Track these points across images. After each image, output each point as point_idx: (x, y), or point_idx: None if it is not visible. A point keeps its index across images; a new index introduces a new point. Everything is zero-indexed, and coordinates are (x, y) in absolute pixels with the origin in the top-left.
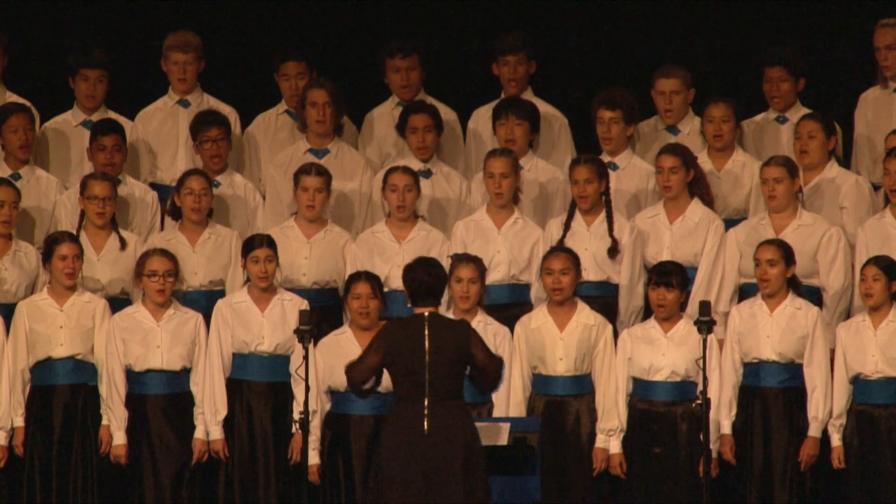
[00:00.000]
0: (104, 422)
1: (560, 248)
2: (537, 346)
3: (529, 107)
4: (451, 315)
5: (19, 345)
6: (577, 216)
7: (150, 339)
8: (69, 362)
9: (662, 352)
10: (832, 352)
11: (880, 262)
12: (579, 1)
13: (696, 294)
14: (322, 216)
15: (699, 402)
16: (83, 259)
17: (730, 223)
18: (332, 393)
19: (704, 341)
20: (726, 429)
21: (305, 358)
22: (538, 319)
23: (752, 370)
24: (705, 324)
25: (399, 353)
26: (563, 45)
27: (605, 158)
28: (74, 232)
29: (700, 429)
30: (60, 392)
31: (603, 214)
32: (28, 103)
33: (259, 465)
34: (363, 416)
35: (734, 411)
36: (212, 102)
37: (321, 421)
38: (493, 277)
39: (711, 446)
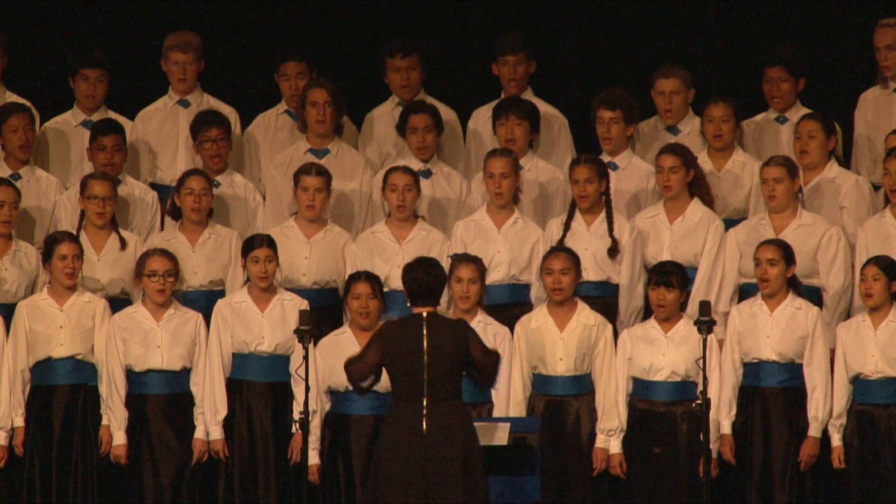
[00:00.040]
0: (104, 422)
1: (560, 248)
2: (537, 346)
3: (529, 107)
4: (451, 315)
5: (19, 345)
6: (577, 216)
7: (151, 339)
8: (69, 362)
9: (662, 352)
10: (832, 352)
11: (880, 262)
12: (579, 1)
13: (696, 294)
14: (322, 216)
15: (699, 402)
16: (83, 259)
17: (730, 223)
18: (332, 393)
19: (704, 341)
20: (726, 429)
21: (305, 358)
22: (538, 319)
23: (752, 370)
24: (705, 324)
25: (397, 354)
26: (563, 45)
27: (605, 158)
28: (74, 232)
29: (700, 429)
30: (60, 392)
31: (603, 214)
32: (28, 103)
33: (259, 466)
34: (363, 416)
35: (734, 411)
36: (212, 102)
37: (321, 421)
38: (493, 277)
39: (711, 446)
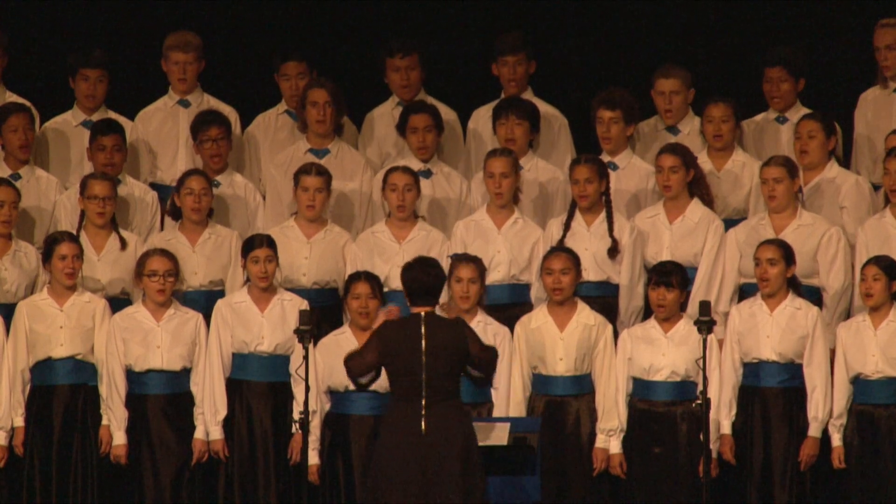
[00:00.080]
0: (104, 422)
1: (560, 248)
2: (537, 346)
3: (529, 107)
4: (446, 308)
5: (19, 345)
6: (578, 216)
7: (151, 339)
8: (69, 362)
9: (662, 352)
10: (832, 352)
11: (880, 261)
12: (579, 1)
13: (696, 294)
14: (322, 216)
15: (699, 402)
16: (83, 259)
17: (730, 223)
18: (332, 393)
19: (704, 341)
20: (726, 429)
21: (305, 358)
22: (538, 319)
23: (752, 370)
24: (705, 324)
25: (395, 353)
26: (563, 45)
27: (605, 158)
28: (74, 232)
29: (700, 429)
30: (60, 392)
31: (603, 214)
32: (28, 103)
33: (259, 465)
34: (363, 416)
35: (734, 411)
36: (212, 102)
37: (321, 421)
38: (493, 277)
39: (711, 446)
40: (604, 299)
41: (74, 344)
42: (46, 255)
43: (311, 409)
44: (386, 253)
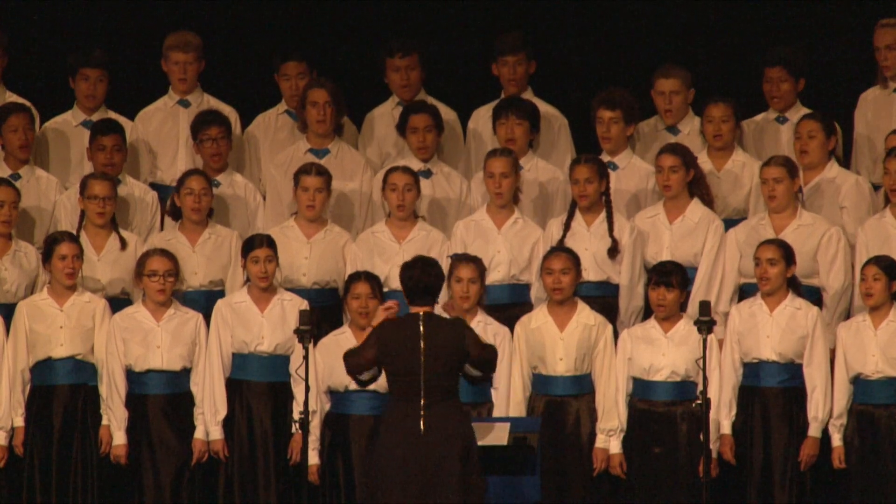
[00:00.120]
0: (104, 422)
1: (560, 248)
2: (537, 346)
3: (529, 107)
4: (446, 309)
5: (19, 345)
6: (578, 216)
7: (151, 340)
8: (69, 362)
9: (662, 352)
10: (832, 352)
11: (880, 261)
12: (579, 1)
13: (696, 294)
14: (322, 216)
15: (699, 402)
16: (83, 259)
17: (730, 223)
18: (332, 393)
19: (704, 341)
20: (726, 429)
21: (305, 358)
22: (538, 319)
23: (752, 370)
24: (705, 324)
25: (394, 353)
26: (563, 45)
27: (605, 158)
28: (74, 232)
29: (700, 429)
30: (60, 392)
31: (603, 214)
32: (28, 103)
33: (259, 466)
34: (363, 416)
35: (734, 411)
36: (212, 102)
37: (321, 421)
38: (493, 277)
39: (711, 446)
40: (604, 299)
41: (74, 344)
42: (46, 255)
43: (311, 409)
44: (386, 253)
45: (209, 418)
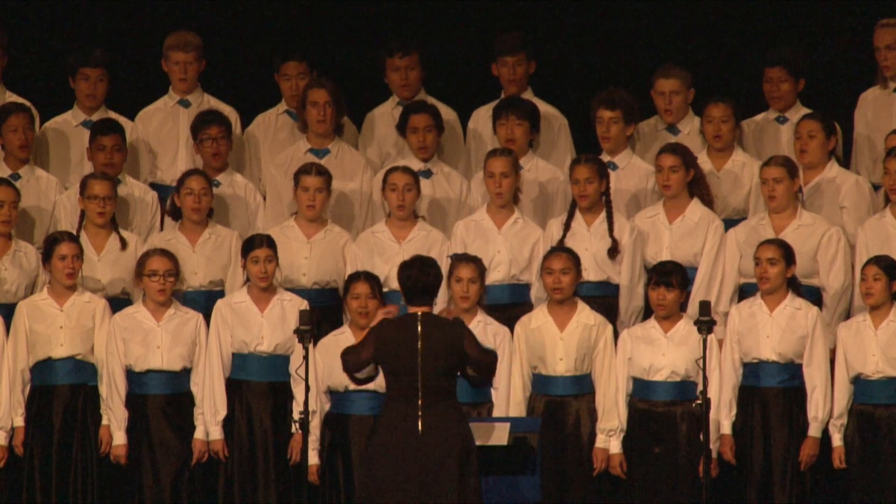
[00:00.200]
0: (104, 422)
1: (560, 248)
2: (537, 346)
3: (529, 107)
4: (448, 311)
5: (19, 345)
6: (578, 216)
7: (151, 340)
8: (69, 362)
9: (662, 352)
10: (832, 352)
11: (881, 261)
12: (579, 1)
13: (696, 294)
14: (322, 216)
15: (699, 402)
16: (83, 259)
17: (730, 223)
18: (332, 393)
19: (704, 341)
20: (726, 429)
21: (305, 358)
22: (538, 319)
23: (752, 370)
24: (705, 324)
25: (391, 353)
26: (563, 45)
27: (605, 158)
28: (74, 232)
29: (700, 429)
30: (60, 392)
31: (603, 214)
32: (28, 103)
33: (259, 466)
34: (363, 416)
35: (734, 411)
36: (212, 102)
37: (321, 421)
38: (493, 277)
39: (711, 446)
40: (604, 299)
41: (74, 344)
42: (46, 255)
43: (311, 409)
44: (386, 253)
45: (209, 418)
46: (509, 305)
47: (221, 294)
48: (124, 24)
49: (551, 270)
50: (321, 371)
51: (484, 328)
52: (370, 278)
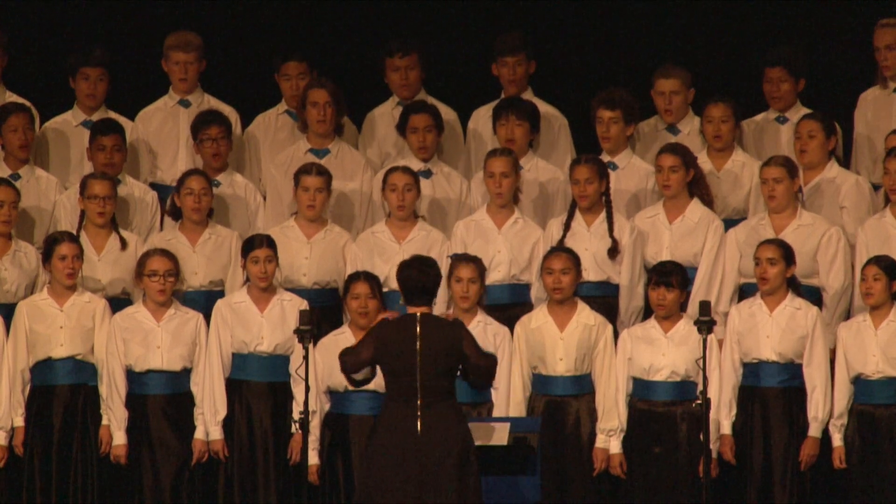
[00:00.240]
0: (104, 422)
1: (560, 248)
2: (537, 346)
3: (529, 107)
4: (449, 313)
5: (19, 345)
6: (578, 216)
7: (151, 340)
8: (69, 362)
9: (662, 352)
10: (832, 352)
11: (881, 261)
12: (579, 1)
13: (696, 294)
14: (322, 216)
15: (699, 402)
16: (83, 259)
17: (729, 223)
18: (332, 393)
19: (704, 341)
20: (726, 429)
21: (305, 358)
22: (538, 319)
23: (752, 370)
24: (705, 324)
25: (390, 354)
26: (563, 45)
27: (605, 158)
28: (74, 232)
29: (700, 429)
30: (60, 392)
31: (603, 214)
32: (28, 103)
33: (259, 466)
34: (363, 416)
35: (734, 411)
36: (212, 102)
37: (321, 421)
38: (493, 277)
39: (711, 446)
40: (604, 299)
41: (74, 344)
42: (46, 255)
43: (310, 409)
44: (386, 253)
45: (209, 418)
46: (509, 305)
47: (221, 294)
48: (124, 24)
49: (551, 270)
50: (321, 371)
51: (484, 328)
52: (370, 278)
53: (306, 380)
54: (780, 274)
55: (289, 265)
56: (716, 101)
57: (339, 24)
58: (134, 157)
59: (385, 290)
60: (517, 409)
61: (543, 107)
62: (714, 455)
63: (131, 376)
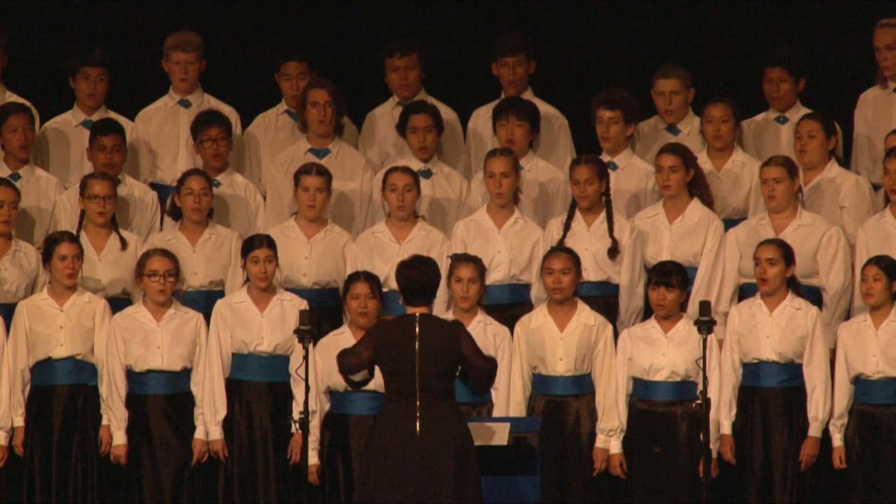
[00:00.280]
0: (104, 422)
1: (560, 248)
2: (537, 346)
3: (530, 107)
4: (451, 315)
5: (19, 345)
6: (578, 216)
7: (151, 340)
8: (69, 362)
9: (662, 352)
10: (832, 352)
11: (881, 261)
12: (579, 1)
13: (696, 294)
14: (322, 216)
15: (699, 402)
16: (83, 259)
17: (729, 223)
18: (332, 393)
19: (704, 341)
20: (726, 429)
21: (305, 358)
22: (538, 319)
23: (752, 370)
24: (705, 324)
25: (389, 354)
26: (563, 45)
27: (605, 158)
28: (74, 232)
29: (700, 429)
30: (60, 392)
31: (603, 214)
32: (28, 103)
33: (259, 466)
34: (362, 416)
35: (734, 411)
36: (212, 103)
37: (320, 421)
38: (493, 277)
39: (711, 446)
40: (604, 299)
41: (74, 344)
42: (46, 255)
43: (310, 409)
44: (386, 253)
45: (209, 418)
46: (509, 305)
47: (221, 294)
48: (124, 24)
49: (551, 270)
50: (321, 371)
51: (484, 328)
52: (370, 278)
53: (306, 380)
54: (779, 274)
55: (289, 265)
56: (716, 101)
57: (339, 24)
58: (134, 157)
59: (385, 290)
60: (517, 409)
61: (543, 107)
62: (714, 455)
63: (131, 376)
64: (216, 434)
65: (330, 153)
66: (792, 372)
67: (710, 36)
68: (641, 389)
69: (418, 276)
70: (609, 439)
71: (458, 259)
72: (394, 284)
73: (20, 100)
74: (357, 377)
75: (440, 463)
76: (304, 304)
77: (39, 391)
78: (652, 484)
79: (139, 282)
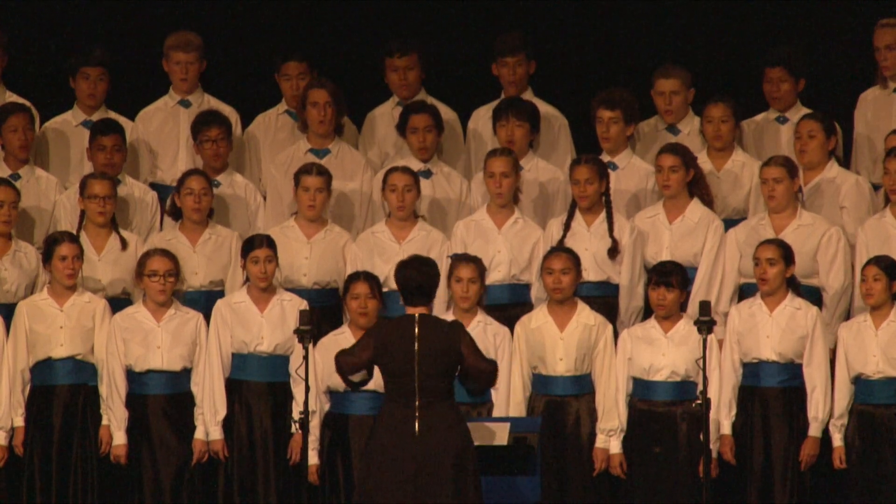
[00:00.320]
0: (104, 422)
1: (560, 248)
2: (537, 346)
3: (530, 107)
4: (451, 315)
5: (19, 345)
6: (578, 216)
7: (151, 340)
8: (69, 362)
9: (662, 352)
10: (832, 352)
11: (881, 262)
12: (579, 1)
13: (696, 294)
14: (322, 216)
15: (699, 402)
16: (83, 259)
17: (729, 223)
18: (332, 393)
19: (704, 341)
20: (726, 429)
21: (305, 358)
22: (538, 319)
23: (752, 370)
24: (705, 324)
25: (388, 354)
26: (563, 45)
27: (605, 158)
28: (74, 232)
29: (700, 429)
30: (60, 392)
31: (603, 214)
32: (28, 103)
33: (259, 466)
34: (362, 416)
35: (734, 411)
36: (213, 103)
37: (320, 421)
38: (493, 277)
39: (711, 446)
40: (604, 299)
41: (74, 344)
42: (46, 255)
43: (310, 409)
44: (386, 253)
45: (209, 418)
46: (509, 305)
47: (221, 294)
48: (124, 24)
49: (551, 270)
50: (321, 371)
51: (484, 328)
52: (370, 278)
53: (306, 380)
54: (779, 274)
55: (289, 265)
56: (716, 101)
57: (339, 24)
58: (134, 157)
59: (385, 290)
60: (517, 409)
61: (543, 107)
62: (714, 455)
63: (131, 376)
64: (216, 434)
65: (330, 153)
66: (792, 372)
67: (710, 36)
68: (641, 389)
69: (417, 276)
70: (609, 439)
71: (458, 259)
72: (394, 284)
73: (20, 100)
74: (356, 377)
75: (440, 463)
76: (304, 304)
77: (39, 391)
78: (652, 484)
79: (139, 282)
